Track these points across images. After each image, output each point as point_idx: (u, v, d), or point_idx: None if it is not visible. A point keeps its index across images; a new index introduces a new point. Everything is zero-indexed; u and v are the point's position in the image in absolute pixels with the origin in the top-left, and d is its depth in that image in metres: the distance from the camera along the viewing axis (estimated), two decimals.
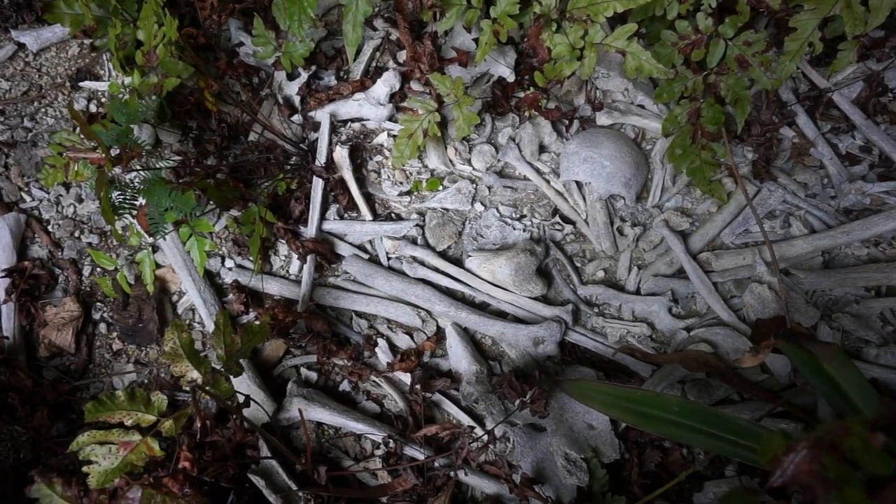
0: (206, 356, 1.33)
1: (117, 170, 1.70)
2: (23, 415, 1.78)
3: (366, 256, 1.97)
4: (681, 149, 1.89)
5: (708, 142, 1.89)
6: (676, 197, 1.95)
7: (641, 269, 1.91)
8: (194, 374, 1.32)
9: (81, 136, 1.74)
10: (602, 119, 1.98)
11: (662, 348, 1.85)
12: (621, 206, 1.96)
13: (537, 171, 1.99)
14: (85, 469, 1.30)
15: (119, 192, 1.70)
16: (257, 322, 1.50)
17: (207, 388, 1.29)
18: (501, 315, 1.90)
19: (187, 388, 1.31)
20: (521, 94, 2.04)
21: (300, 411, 1.61)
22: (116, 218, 1.72)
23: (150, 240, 1.88)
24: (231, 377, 1.38)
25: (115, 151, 1.63)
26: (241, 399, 1.45)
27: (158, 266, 1.95)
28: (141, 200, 1.77)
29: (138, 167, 1.82)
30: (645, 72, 1.69)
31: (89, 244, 2.05)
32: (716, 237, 1.90)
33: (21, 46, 2.21)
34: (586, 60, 1.74)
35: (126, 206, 1.72)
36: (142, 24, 1.92)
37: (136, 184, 1.71)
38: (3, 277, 1.92)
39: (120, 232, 1.63)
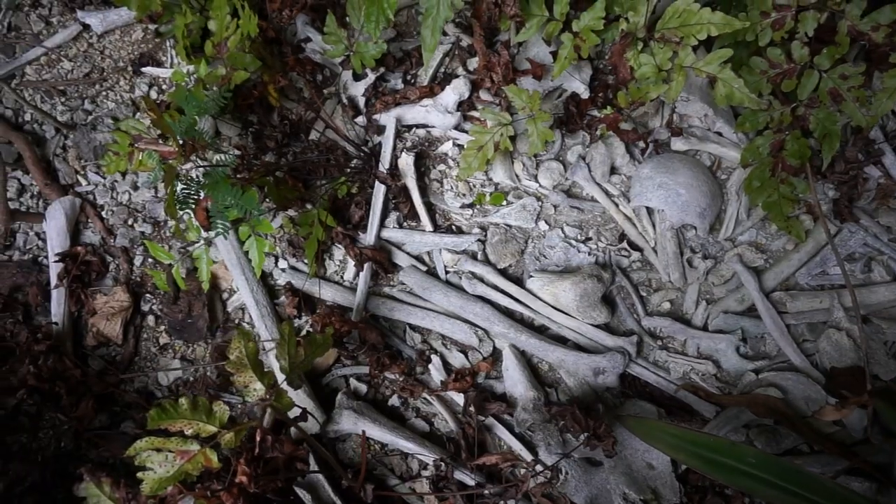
0: (269, 369, 1.28)
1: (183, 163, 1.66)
2: (67, 404, 1.74)
3: (423, 268, 1.91)
4: (759, 181, 1.81)
5: (788, 176, 1.80)
6: (750, 231, 1.87)
7: (710, 303, 1.83)
8: (258, 386, 1.27)
9: (149, 125, 1.70)
10: (677, 144, 1.90)
11: (727, 389, 1.78)
12: (692, 236, 1.88)
13: (606, 192, 1.92)
14: (140, 475, 1.25)
15: (184, 186, 1.66)
16: (320, 334, 1.45)
17: (271, 401, 1.24)
18: (560, 340, 1.83)
19: (249, 400, 1.26)
20: (595, 112, 1.96)
21: (363, 433, 1.55)
22: (179, 212, 1.68)
23: (208, 236, 1.84)
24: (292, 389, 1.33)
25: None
26: (297, 412, 1.39)
27: (211, 262, 1.91)
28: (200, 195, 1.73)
29: (205, 161, 1.78)
30: (735, 100, 1.62)
31: (142, 234, 2.01)
32: (790, 276, 1.82)
33: (86, 27, 2.18)
34: (673, 84, 1.67)
35: (189, 200, 1.68)
36: (213, 13, 1.88)
37: (200, 178, 1.66)
38: (56, 262, 1.89)
39: (180, 226, 1.59)
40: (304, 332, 1.88)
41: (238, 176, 1.83)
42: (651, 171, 1.85)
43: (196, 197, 1.68)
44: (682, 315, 1.85)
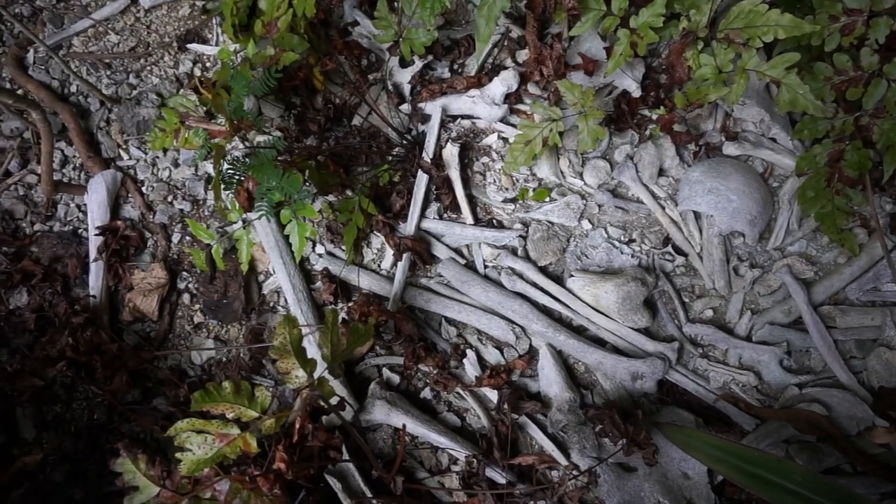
0: (311, 357, 1.27)
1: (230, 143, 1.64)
2: (102, 377, 1.75)
3: (462, 261, 1.88)
4: (813, 191, 1.75)
5: (844, 187, 1.74)
6: (801, 241, 1.82)
7: (755, 314, 1.78)
8: (300, 373, 1.25)
9: (197, 102, 1.68)
10: (730, 149, 1.85)
11: (768, 402, 1.73)
12: (740, 244, 1.83)
13: (653, 194, 1.87)
14: (178, 455, 1.25)
15: (229, 167, 1.64)
16: (362, 324, 1.43)
17: (313, 388, 1.22)
18: (598, 342, 1.80)
19: (291, 386, 1.24)
20: (645, 111, 1.91)
21: (403, 427, 1.54)
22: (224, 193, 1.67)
23: (249, 217, 1.82)
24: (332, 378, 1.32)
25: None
26: (334, 400, 1.38)
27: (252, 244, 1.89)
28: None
29: (248, 142, 1.77)
30: (799, 106, 1.56)
31: (181, 211, 2.01)
32: (840, 291, 1.76)
33: (134, 1, 2.17)
34: (734, 87, 1.61)
35: (234, 181, 1.67)
36: None
37: (243, 159, 1.65)
38: (96, 235, 1.89)
39: (222, 206, 1.57)
40: (339, 319, 1.87)
41: (279, 158, 1.81)
42: (701, 175, 1.80)
43: (240, 178, 1.67)
44: (725, 324, 1.81)
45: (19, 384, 1.54)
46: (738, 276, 1.81)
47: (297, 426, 1.26)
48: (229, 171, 1.63)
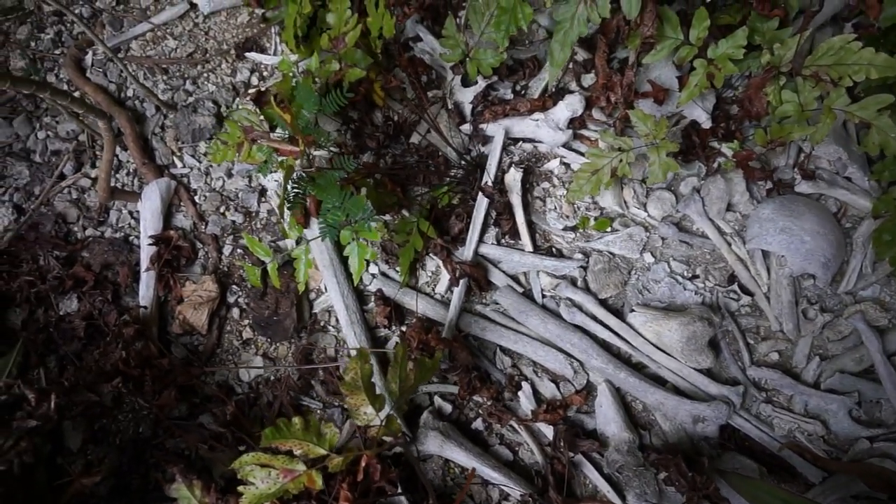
0: (380, 392, 1.23)
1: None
2: (150, 391, 1.72)
3: (519, 289, 1.83)
4: (890, 235, 1.68)
5: None
6: (874, 286, 1.75)
7: (824, 360, 1.72)
8: (368, 410, 1.21)
9: (261, 117, 1.65)
10: (803, 187, 1.78)
11: (836, 454, 1.67)
12: (809, 285, 1.77)
13: (719, 229, 1.81)
14: (241, 489, 1.21)
15: (294, 185, 1.61)
16: (429, 358, 1.39)
17: (381, 427, 1.18)
18: (658, 380, 1.74)
19: (358, 422, 1.20)
20: (714, 142, 1.85)
21: (472, 470, 1.49)
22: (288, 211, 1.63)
23: (304, 235, 1.79)
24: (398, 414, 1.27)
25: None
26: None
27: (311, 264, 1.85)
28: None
29: (311, 158, 1.72)
30: (891, 149, 1.50)
31: (233, 223, 1.98)
32: None
33: (193, 6, 2.14)
34: (820, 126, 1.55)
35: (298, 200, 1.63)
36: (332, 6, 1.82)
37: (311, 179, 1.61)
38: (149, 245, 1.86)
39: (285, 226, 1.54)
40: (392, 342, 1.83)
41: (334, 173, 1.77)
42: (773, 213, 1.74)
43: (304, 197, 1.63)
44: (791, 368, 1.74)
45: (74, 398, 1.51)
46: (806, 319, 1.74)
47: (363, 464, 1.22)
48: (294, 189, 1.60)
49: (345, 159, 1.55)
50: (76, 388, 1.50)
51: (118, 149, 2.03)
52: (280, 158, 1.56)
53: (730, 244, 1.81)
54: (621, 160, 1.71)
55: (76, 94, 2.06)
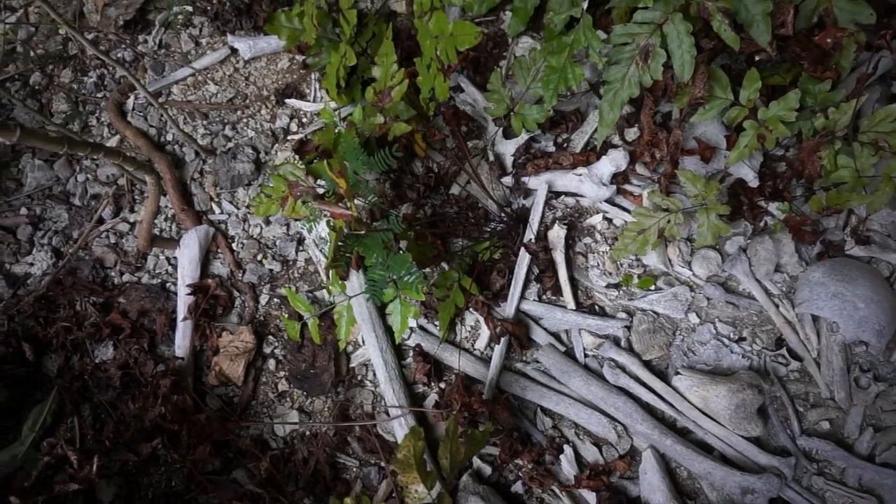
0: (431, 470, 1.19)
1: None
2: (186, 445, 1.69)
3: (560, 347, 1.80)
4: None
5: None
6: None
7: (878, 431, 1.66)
8: (420, 489, 1.18)
9: (304, 170, 1.64)
10: (855, 250, 1.74)
11: None
12: (861, 352, 1.72)
13: (767, 291, 1.77)
14: None
15: (340, 243, 1.59)
16: (479, 431, 1.35)
17: None
18: (704, 447, 1.69)
19: (409, 502, 1.16)
20: (761, 201, 1.82)
21: None
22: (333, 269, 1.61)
23: (355, 293, 1.76)
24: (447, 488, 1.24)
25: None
26: None
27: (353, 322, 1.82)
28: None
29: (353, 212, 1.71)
30: None
31: (270, 271, 1.96)
32: None
33: (234, 52, 2.15)
34: (878, 194, 1.52)
35: (344, 258, 1.61)
36: (379, 60, 1.82)
37: (355, 237, 1.59)
38: (187, 294, 1.85)
39: (327, 283, 1.51)
40: (430, 399, 1.79)
41: (373, 223, 1.75)
42: (823, 277, 1.69)
43: (349, 254, 1.61)
44: (843, 439, 1.69)
45: (113, 457, 1.49)
46: (859, 387, 1.69)
47: None
48: (339, 247, 1.58)
49: (394, 220, 1.54)
50: (116, 448, 1.47)
51: None
52: (328, 218, 1.54)
53: (777, 306, 1.77)
54: (669, 221, 1.68)
55: (116, 135, 2.07)
